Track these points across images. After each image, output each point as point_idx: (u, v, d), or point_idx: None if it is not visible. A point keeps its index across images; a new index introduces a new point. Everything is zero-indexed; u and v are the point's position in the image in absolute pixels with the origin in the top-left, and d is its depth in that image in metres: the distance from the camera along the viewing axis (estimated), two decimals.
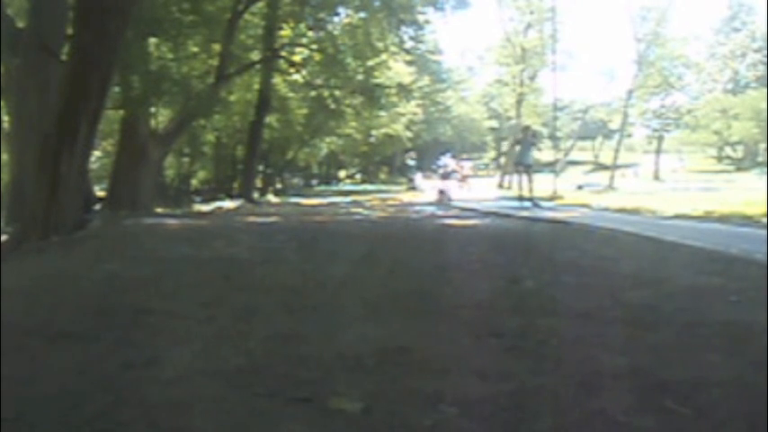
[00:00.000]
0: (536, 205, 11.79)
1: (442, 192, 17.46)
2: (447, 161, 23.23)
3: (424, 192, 23.56)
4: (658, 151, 45.05)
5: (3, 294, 2.86)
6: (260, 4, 16.53)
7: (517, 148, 13.81)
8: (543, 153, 50.08)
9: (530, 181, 12.39)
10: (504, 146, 41.97)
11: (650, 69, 37.82)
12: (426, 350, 2.13)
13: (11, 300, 2.86)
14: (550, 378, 1.85)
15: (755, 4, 44.42)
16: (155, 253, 4.85)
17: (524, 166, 12.66)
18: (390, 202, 16.47)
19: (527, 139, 13.24)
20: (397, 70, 25.46)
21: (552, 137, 34.73)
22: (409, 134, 36.14)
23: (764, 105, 34.47)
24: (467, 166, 26.62)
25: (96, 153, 15.51)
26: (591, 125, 54.03)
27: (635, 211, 10.02)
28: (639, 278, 3.56)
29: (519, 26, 34.15)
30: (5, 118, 9.89)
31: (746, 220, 7.49)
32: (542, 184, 18.88)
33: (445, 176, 19.52)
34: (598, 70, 73.91)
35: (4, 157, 10.21)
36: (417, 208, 13.00)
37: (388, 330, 2.39)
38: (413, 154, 31.68)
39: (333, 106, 20.01)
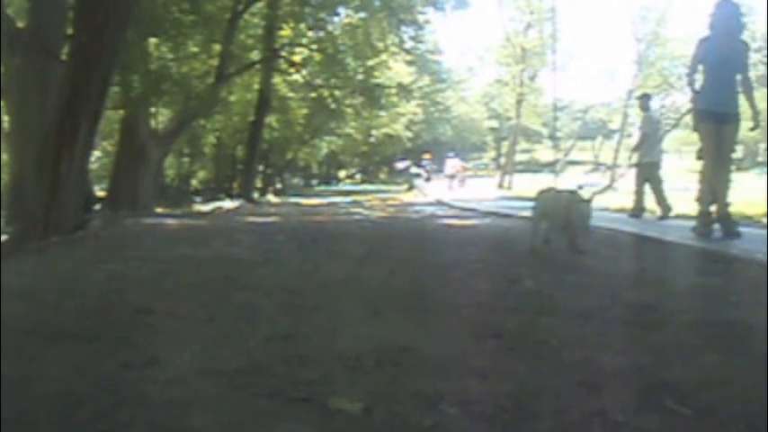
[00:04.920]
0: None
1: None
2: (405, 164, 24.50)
3: (424, 192, 23.53)
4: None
5: (3, 294, 2.86)
6: (260, 4, 16.53)
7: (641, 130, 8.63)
8: (543, 153, 50.20)
9: (659, 190, 8.19)
10: (504, 146, 41.91)
11: (650, 69, 37.78)
12: (426, 350, 2.13)
13: (11, 300, 2.86)
14: (550, 378, 1.85)
15: (755, 4, 44.35)
16: (155, 253, 4.84)
17: (649, 165, 8.41)
18: (390, 202, 16.47)
19: (651, 114, 8.80)
20: (397, 70, 25.45)
21: (552, 137, 34.72)
22: (409, 134, 36.12)
23: (764, 105, 34.46)
24: (452, 165, 26.49)
25: (96, 153, 15.49)
26: (591, 125, 53.96)
27: None
28: (639, 278, 3.56)
29: (519, 26, 34.09)
30: (5, 118, 9.87)
31: (746, 220, 7.47)
32: (541, 184, 18.89)
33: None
34: (598, 70, 74.03)
35: (4, 157, 10.20)
36: (417, 208, 13.00)
37: (387, 330, 2.40)
38: (407, 161, 30.78)
39: (333, 106, 20.02)
